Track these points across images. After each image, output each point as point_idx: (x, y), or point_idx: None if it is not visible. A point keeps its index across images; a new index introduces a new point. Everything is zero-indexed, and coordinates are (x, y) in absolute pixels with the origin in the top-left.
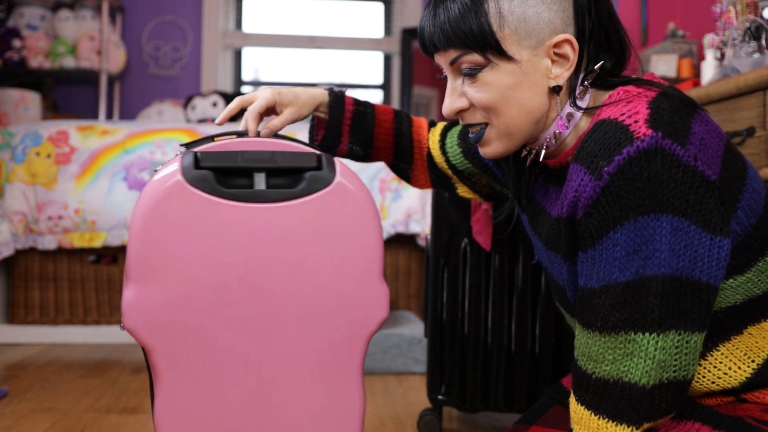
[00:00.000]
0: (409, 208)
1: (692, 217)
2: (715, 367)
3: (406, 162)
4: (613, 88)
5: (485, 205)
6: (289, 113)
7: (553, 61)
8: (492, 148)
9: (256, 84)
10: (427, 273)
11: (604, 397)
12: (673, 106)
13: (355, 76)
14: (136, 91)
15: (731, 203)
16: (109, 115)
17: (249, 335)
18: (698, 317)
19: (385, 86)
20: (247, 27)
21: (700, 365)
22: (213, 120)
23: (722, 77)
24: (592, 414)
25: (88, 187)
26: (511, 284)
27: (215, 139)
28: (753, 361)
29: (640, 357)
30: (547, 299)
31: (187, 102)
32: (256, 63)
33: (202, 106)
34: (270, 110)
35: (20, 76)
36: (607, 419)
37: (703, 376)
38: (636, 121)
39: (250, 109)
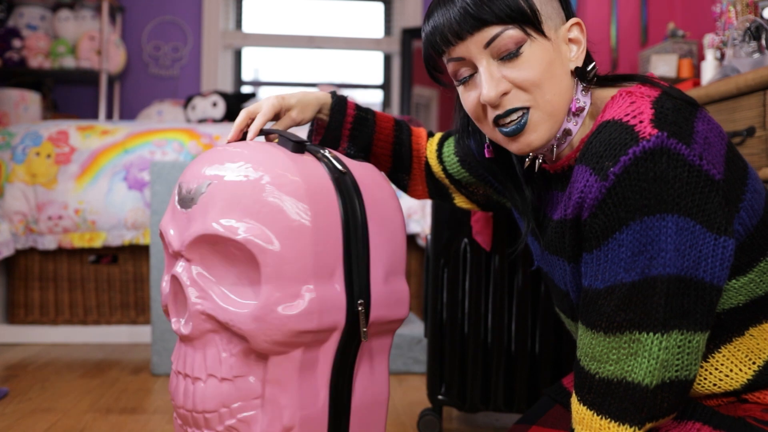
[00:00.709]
0: (409, 207)
1: (697, 217)
2: (716, 369)
3: (403, 171)
4: (614, 85)
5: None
6: (294, 114)
7: (568, 46)
8: (537, 134)
9: (256, 84)
10: (427, 273)
11: (607, 398)
12: (676, 105)
13: (355, 76)
14: (136, 91)
15: (734, 203)
16: (109, 115)
17: None
18: (701, 317)
19: (385, 86)
20: (247, 27)
21: (701, 367)
22: (213, 120)
23: (722, 77)
24: (595, 414)
25: (88, 187)
26: (511, 284)
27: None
28: (754, 363)
29: (644, 357)
30: (547, 299)
31: (187, 102)
32: (256, 63)
33: (202, 106)
34: (275, 117)
35: (20, 76)
36: (609, 419)
37: (705, 378)
38: (641, 122)
39: (255, 121)
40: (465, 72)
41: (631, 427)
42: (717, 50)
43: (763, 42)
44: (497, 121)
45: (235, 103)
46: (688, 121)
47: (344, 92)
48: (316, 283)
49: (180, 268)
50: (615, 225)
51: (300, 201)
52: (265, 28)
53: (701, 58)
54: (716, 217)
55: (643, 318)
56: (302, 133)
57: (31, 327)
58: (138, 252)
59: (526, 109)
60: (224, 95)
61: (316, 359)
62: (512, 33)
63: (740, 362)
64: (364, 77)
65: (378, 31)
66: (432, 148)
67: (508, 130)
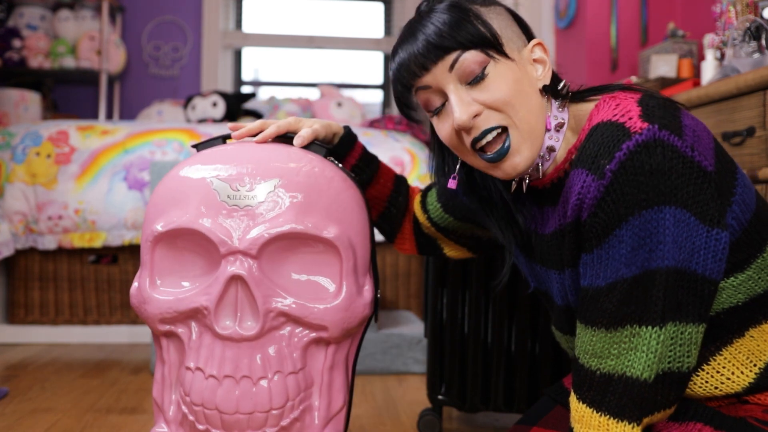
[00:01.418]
0: None
1: (692, 209)
2: (718, 372)
3: (393, 222)
4: (593, 97)
5: None
6: (317, 125)
7: (533, 66)
8: (521, 156)
9: (256, 84)
10: (427, 273)
11: (607, 394)
12: (661, 103)
13: (355, 76)
14: (136, 91)
15: (726, 197)
16: (109, 115)
17: None
18: (693, 309)
19: (385, 86)
20: (247, 27)
21: (702, 370)
22: (213, 120)
23: (722, 77)
24: (594, 411)
25: (88, 187)
26: (511, 284)
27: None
28: (755, 365)
29: (642, 351)
30: None
31: (187, 102)
32: (256, 63)
33: (202, 106)
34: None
35: (20, 76)
36: (608, 416)
37: (707, 382)
38: (630, 118)
39: (271, 128)
40: (436, 102)
41: (629, 423)
42: (717, 50)
43: (763, 42)
44: (476, 146)
45: (235, 103)
46: (675, 116)
47: (344, 92)
48: (365, 275)
49: (243, 267)
50: (615, 222)
51: (360, 199)
52: (265, 28)
53: (701, 58)
54: (709, 209)
55: (643, 312)
56: None
57: (31, 327)
58: (138, 252)
59: (502, 129)
60: (224, 95)
61: (352, 344)
62: (474, 56)
63: (741, 365)
64: (364, 77)
65: (378, 31)
66: (416, 200)
67: (491, 156)
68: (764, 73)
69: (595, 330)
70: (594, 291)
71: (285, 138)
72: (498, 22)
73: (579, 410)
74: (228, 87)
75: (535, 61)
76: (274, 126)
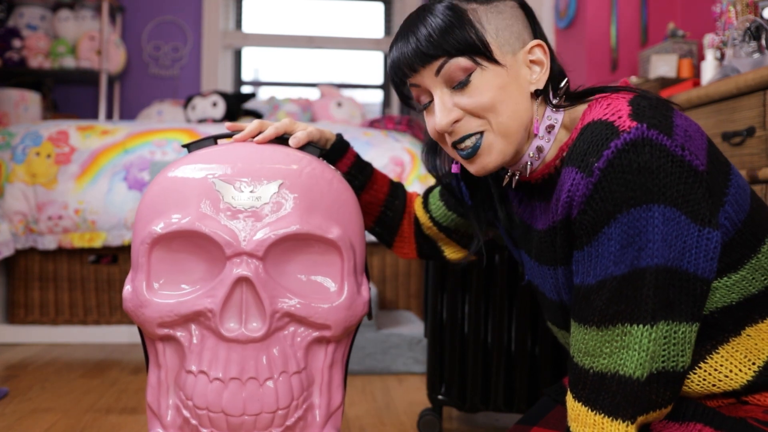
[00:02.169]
0: None
1: (682, 207)
2: (715, 369)
3: (388, 225)
4: (587, 99)
5: None
6: (311, 128)
7: (529, 68)
8: (491, 156)
9: (256, 84)
10: (427, 273)
11: (601, 393)
12: (652, 103)
13: (355, 76)
14: (136, 91)
15: (718, 197)
16: (109, 115)
17: None
18: (686, 308)
19: (385, 86)
20: (247, 27)
21: (700, 368)
22: (213, 120)
23: (722, 77)
24: (589, 410)
25: (88, 187)
26: (511, 284)
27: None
28: (754, 364)
29: (634, 349)
30: None
31: (187, 102)
32: (256, 63)
33: (202, 106)
34: (280, 136)
35: (20, 76)
36: (603, 415)
37: (704, 379)
38: (620, 117)
39: (269, 129)
40: (425, 99)
41: (624, 422)
42: (717, 50)
43: (763, 42)
44: (455, 146)
45: (235, 103)
46: (666, 116)
47: (344, 92)
48: (362, 274)
49: (250, 269)
50: (603, 219)
51: (356, 200)
52: (265, 28)
53: (701, 58)
54: (700, 208)
55: (633, 310)
56: None
57: (31, 327)
58: None
59: (480, 134)
60: (224, 95)
61: (348, 342)
62: (460, 62)
63: (740, 363)
64: (364, 77)
65: (378, 31)
66: (418, 202)
67: (464, 153)
68: (764, 73)
69: (588, 328)
70: (585, 289)
71: (279, 139)
72: (496, 23)
73: (575, 409)
74: (228, 87)
75: (532, 62)
76: (272, 127)
